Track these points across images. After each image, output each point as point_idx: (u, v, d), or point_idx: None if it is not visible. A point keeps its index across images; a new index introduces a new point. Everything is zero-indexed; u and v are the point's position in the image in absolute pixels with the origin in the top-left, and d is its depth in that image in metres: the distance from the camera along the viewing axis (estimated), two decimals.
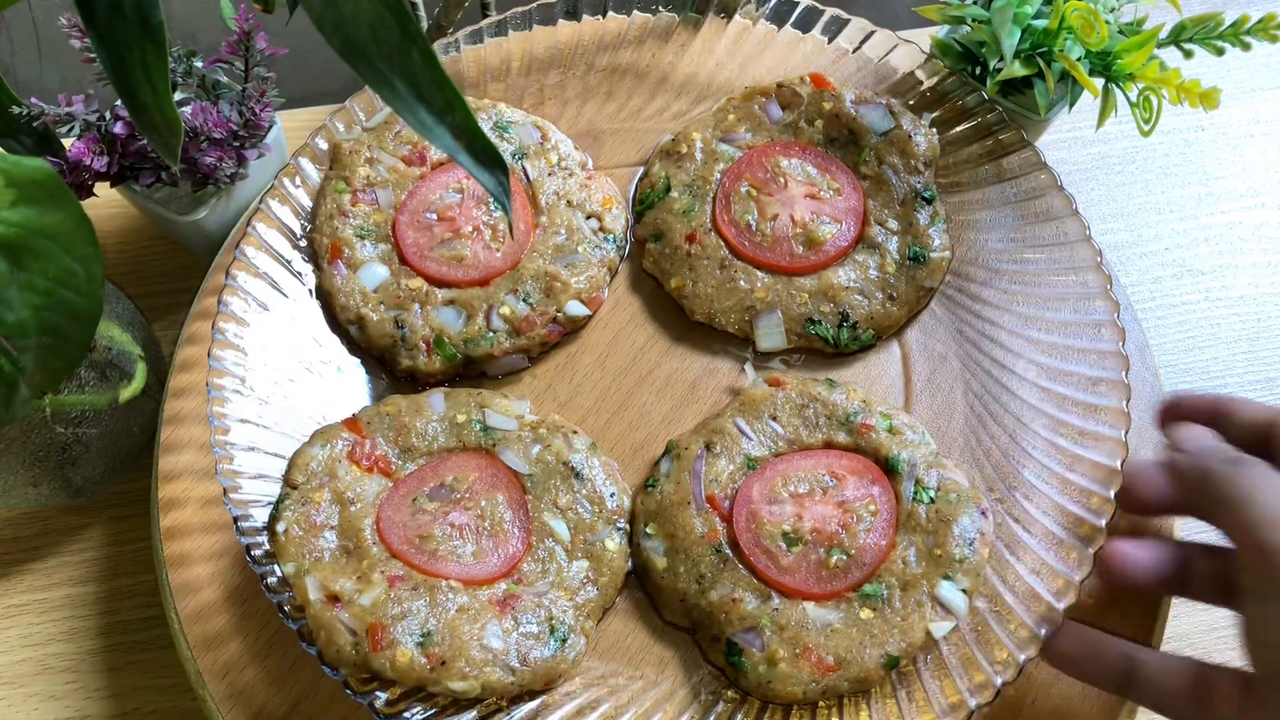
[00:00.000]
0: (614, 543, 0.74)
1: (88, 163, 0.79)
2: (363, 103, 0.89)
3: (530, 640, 0.68)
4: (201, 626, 0.73)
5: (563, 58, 0.95)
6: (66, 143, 0.80)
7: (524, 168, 0.87)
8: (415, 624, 0.67)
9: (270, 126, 0.87)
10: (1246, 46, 0.82)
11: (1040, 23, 0.83)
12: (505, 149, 0.87)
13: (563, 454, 0.75)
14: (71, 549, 0.85)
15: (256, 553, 0.70)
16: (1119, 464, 0.73)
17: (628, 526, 0.75)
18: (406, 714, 0.66)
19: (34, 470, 0.74)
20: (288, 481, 0.73)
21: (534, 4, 0.94)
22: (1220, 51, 0.83)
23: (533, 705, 0.69)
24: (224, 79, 0.85)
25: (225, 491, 0.71)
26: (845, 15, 0.93)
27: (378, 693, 0.66)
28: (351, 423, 0.76)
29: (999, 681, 0.67)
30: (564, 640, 0.69)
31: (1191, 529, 0.87)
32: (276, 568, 0.70)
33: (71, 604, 0.83)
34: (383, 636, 0.66)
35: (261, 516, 0.72)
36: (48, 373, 0.55)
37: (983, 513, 0.72)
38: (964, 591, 0.70)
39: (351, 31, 0.50)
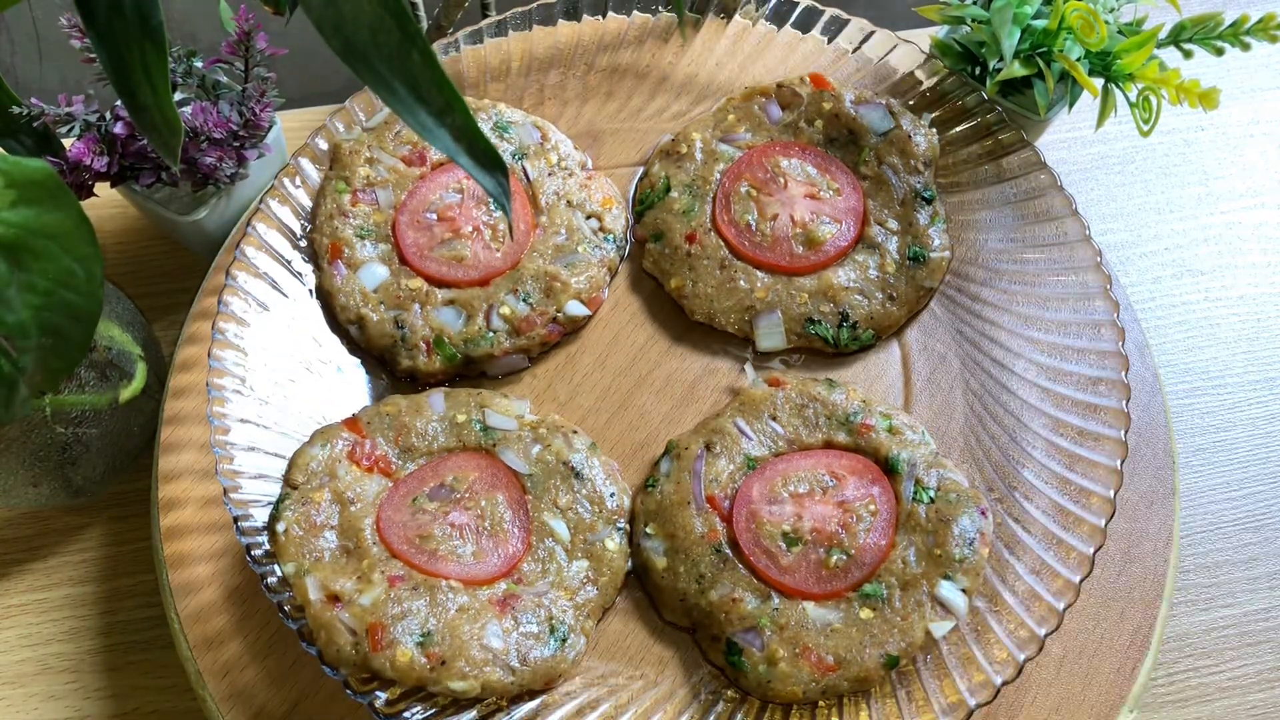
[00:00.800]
0: (614, 543, 0.74)
1: (88, 163, 0.79)
2: (363, 103, 0.89)
3: (530, 640, 0.68)
4: (201, 626, 0.73)
5: (563, 58, 0.95)
6: (66, 143, 0.80)
7: (524, 168, 0.87)
8: (415, 624, 0.67)
9: (270, 126, 0.87)
10: (1246, 46, 0.82)
11: (1040, 23, 0.83)
12: (505, 149, 0.87)
13: (563, 454, 0.75)
14: (71, 549, 0.85)
15: (256, 553, 0.70)
16: (1119, 464, 0.73)
17: (628, 526, 0.75)
18: (406, 714, 0.66)
19: (34, 470, 0.74)
20: (288, 481, 0.73)
21: (534, 4, 0.94)
22: (1220, 51, 0.83)
23: (533, 705, 0.69)
24: (224, 79, 0.85)
25: (225, 491, 0.71)
26: (845, 15, 0.93)
27: (378, 693, 0.66)
28: (351, 423, 0.76)
29: (998, 681, 0.67)
30: (564, 640, 0.69)
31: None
32: (276, 568, 0.70)
33: (71, 604, 0.83)
34: (383, 636, 0.66)
35: (261, 516, 0.72)
36: (48, 373, 0.55)
37: (982, 513, 0.72)
38: (964, 591, 0.70)
39: (351, 33, 0.50)
